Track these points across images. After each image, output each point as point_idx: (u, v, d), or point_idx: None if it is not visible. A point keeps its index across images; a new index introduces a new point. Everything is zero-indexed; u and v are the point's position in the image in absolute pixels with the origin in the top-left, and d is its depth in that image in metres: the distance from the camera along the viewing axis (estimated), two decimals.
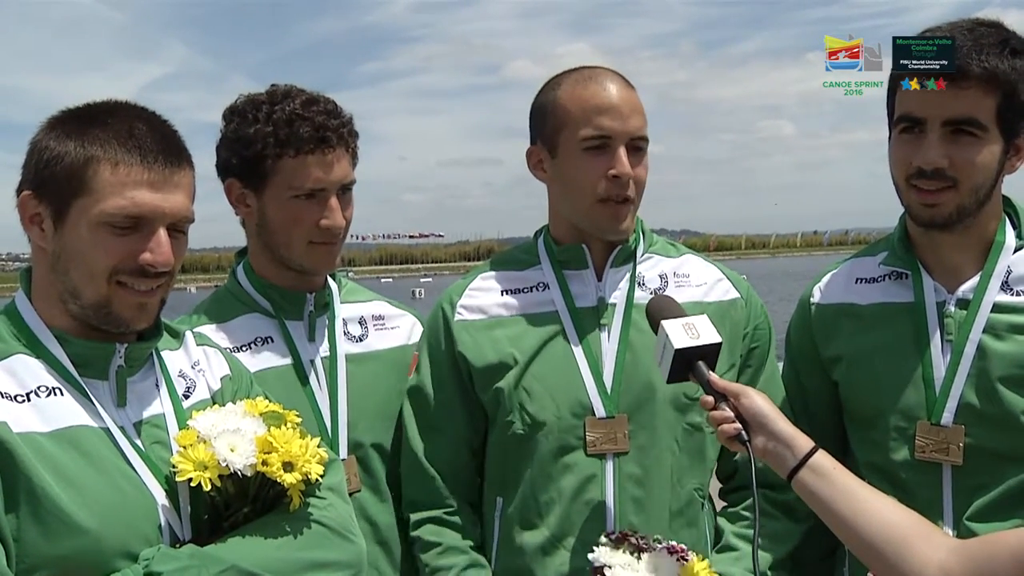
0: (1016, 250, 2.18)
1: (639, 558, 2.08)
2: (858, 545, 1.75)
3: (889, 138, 2.22)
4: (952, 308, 2.18)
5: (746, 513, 2.36)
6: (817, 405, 2.41)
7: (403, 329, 2.61)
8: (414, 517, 2.40)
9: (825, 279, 2.45)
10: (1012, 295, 2.15)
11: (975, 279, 2.18)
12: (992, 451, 2.10)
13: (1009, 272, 2.16)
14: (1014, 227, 2.23)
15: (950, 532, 2.11)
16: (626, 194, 2.27)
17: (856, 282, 2.37)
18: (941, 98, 2.05)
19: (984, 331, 2.13)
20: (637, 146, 2.28)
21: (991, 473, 2.10)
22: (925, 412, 2.16)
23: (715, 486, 2.49)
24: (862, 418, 2.32)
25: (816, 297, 2.43)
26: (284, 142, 2.26)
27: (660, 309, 2.07)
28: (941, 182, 2.09)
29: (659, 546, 2.11)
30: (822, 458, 1.84)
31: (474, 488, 2.46)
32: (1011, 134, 2.10)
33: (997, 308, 2.14)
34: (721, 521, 2.41)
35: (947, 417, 2.13)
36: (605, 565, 2.06)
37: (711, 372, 1.97)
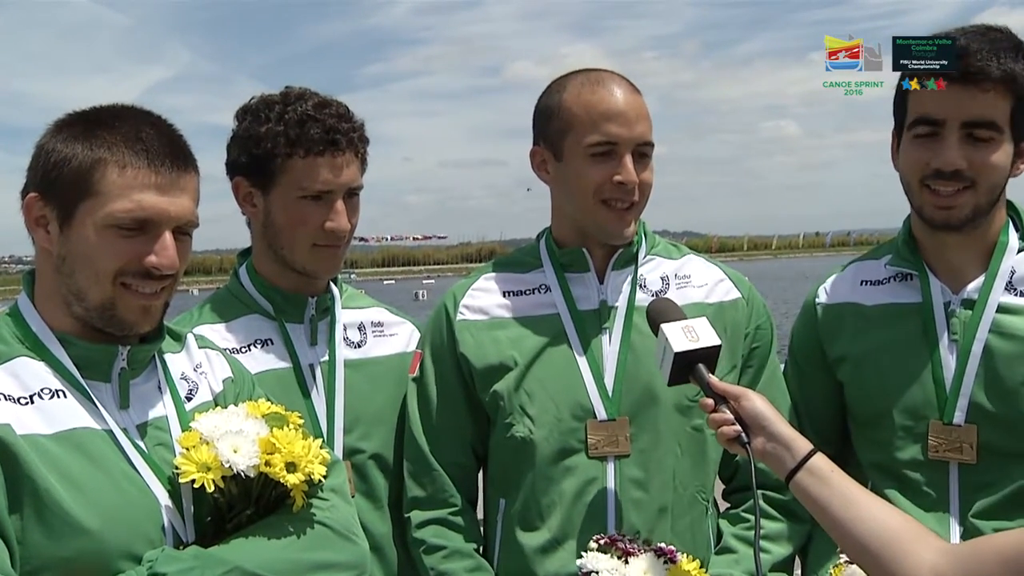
0: (1020, 251, 2.20)
1: (626, 562, 2.07)
2: (853, 547, 1.77)
3: (895, 140, 2.24)
4: (958, 308, 2.19)
5: (746, 515, 2.36)
6: (821, 407, 2.41)
7: (402, 337, 2.59)
8: (418, 517, 2.38)
9: (830, 280, 2.46)
10: (1017, 296, 2.17)
11: (980, 279, 2.19)
12: (1001, 450, 2.12)
13: (1013, 272, 2.18)
14: (1016, 229, 2.24)
15: (957, 529, 2.13)
16: (631, 200, 2.28)
17: (861, 284, 2.38)
18: (960, 100, 2.08)
19: (990, 331, 2.15)
20: (643, 152, 2.29)
21: (999, 472, 2.12)
22: (936, 411, 2.18)
23: (720, 488, 2.49)
24: (867, 417, 2.32)
25: (822, 298, 2.44)
26: (295, 142, 2.27)
27: (659, 312, 2.07)
28: (959, 183, 2.11)
29: (648, 549, 2.11)
30: (820, 461, 1.85)
31: (475, 488, 2.46)
32: (1020, 137, 2.14)
33: (1002, 309, 2.16)
34: (722, 523, 2.41)
35: (959, 416, 2.15)
36: (592, 571, 2.06)
37: (711, 375, 1.98)
